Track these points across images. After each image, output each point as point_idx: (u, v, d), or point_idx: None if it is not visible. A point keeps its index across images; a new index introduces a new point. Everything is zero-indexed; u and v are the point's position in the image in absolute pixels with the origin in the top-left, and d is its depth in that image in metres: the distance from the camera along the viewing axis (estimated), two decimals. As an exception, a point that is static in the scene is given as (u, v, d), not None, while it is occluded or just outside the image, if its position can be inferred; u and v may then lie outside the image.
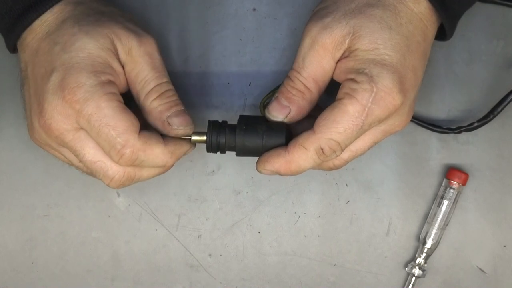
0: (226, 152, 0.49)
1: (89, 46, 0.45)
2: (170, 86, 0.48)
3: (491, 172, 0.56)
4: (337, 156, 0.46)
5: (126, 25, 0.47)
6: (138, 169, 0.47)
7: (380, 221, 0.57)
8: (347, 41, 0.45)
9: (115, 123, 0.44)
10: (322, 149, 0.45)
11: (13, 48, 0.49)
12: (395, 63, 0.44)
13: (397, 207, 0.56)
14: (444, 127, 0.55)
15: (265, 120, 0.48)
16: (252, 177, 0.57)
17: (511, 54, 0.56)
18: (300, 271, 0.57)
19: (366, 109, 0.44)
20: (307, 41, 0.46)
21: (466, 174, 0.55)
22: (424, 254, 0.55)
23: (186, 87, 0.56)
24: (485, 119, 0.53)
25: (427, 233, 0.55)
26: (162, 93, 0.47)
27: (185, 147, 0.48)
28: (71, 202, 0.57)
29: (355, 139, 0.46)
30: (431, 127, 0.55)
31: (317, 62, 0.46)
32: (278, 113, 0.47)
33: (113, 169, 0.47)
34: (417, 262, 0.55)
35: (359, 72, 0.44)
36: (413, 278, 0.55)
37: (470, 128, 0.54)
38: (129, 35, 0.46)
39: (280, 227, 0.57)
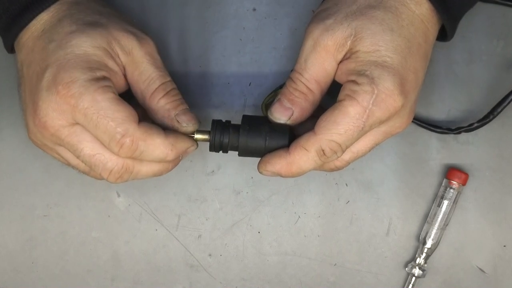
0: (228, 152, 0.49)
1: (85, 45, 0.45)
2: (174, 85, 0.48)
3: (491, 172, 0.56)
4: (338, 157, 0.46)
5: (125, 26, 0.47)
6: (138, 162, 0.47)
7: (380, 221, 0.57)
8: (348, 42, 0.45)
9: (113, 114, 0.44)
10: (323, 150, 0.45)
11: (11, 48, 0.49)
12: (396, 65, 0.44)
13: (397, 207, 0.56)
14: (444, 128, 0.55)
15: (268, 121, 0.48)
16: (252, 177, 0.57)
17: (511, 54, 0.56)
18: (300, 271, 0.57)
19: (367, 111, 0.44)
20: (309, 43, 0.46)
21: (466, 174, 0.55)
22: (424, 254, 0.55)
23: (186, 87, 0.56)
24: (485, 120, 0.53)
25: (427, 233, 0.55)
26: (168, 92, 0.47)
27: (186, 142, 0.48)
28: (71, 202, 0.57)
29: (356, 140, 0.46)
30: (430, 128, 0.55)
31: (319, 63, 0.46)
32: (281, 115, 0.47)
33: (112, 161, 0.46)
34: (417, 262, 0.55)
35: (360, 74, 0.44)
36: (413, 278, 0.55)
37: (470, 128, 0.54)
38: (129, 36, 0.47)
39: (280, 227, 0.57)
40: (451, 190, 0.55)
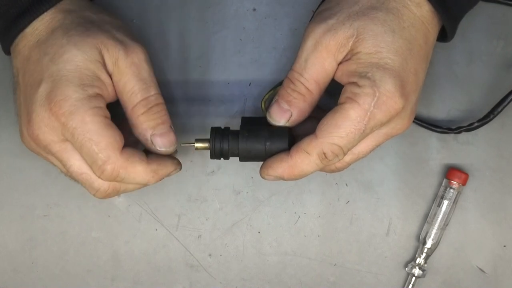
0: (230, 158, 0.49)
1: (77, 59, 0.45)
2: (159, 100, 0.47)
3: (491, 172, 0.56)
4: (339, 159, 0.46)
5: (114, 34, 0.47)
6: (123, 183, 0.48)
7: (380, 221, 0.57)
8: (350, 43, 0.45)
9: (98, 139, 0.44)
10: (324, 154, 0.45)
11: (8, 51, 0.49)
12: (397, 67, 0.44)
13: (397, 207, 0.56)
14: (444, 127, 0.55)
15: (267, 122, 0.48)
16: (252, 177, 0.57)
17: (511, 54, 0.56)
18: (300, 271, 0.57)
19: (368, 114, 0.44)
20: (309, 42, 0.46)
21: (466, 174, 0.55)
22: (424, 254, 0.55)
23: (186, 87, 0.56)
24: (485, 119, 0.53)
25: (427, 233, 0.55)
26: (149, 108, 0.47)
27: (169, 167, 0.48)
28: (71, 202, 0.57)
29: (357, 142, 0.46)
30: (431, 127, 0.55)
31: (320, 63, 0.46)
32: (279, 118, 0.47)
33: (98, 182, 0.47)
34: (417, 262, 0.55)
35: (362, 75, 0.44)
36: (413, 278, 0.55)
37: (470, 128, 0.54)
38: (116, 45, 0.46)
39: (280, 227, 0.57)
40: (451, 190, 0.55)
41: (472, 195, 0.56)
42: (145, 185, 0.48)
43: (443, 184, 0.55)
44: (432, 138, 0.56)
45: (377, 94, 0.44)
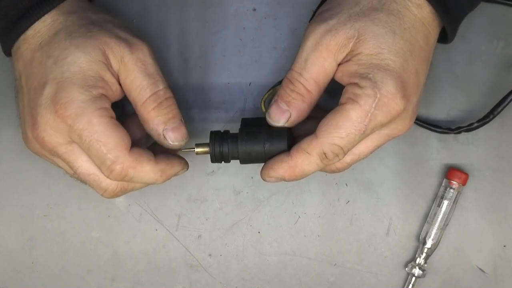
0: (231, 161, 0.49)
1: (80, 60, 0.45)
2: (168, 93, 0.48)
3: (491, 172, 0.56)
4: (340, 159, 0.47)
5: (116, 33, 0.47)
6: (131, 182, 0.48)
7: (380, 221, 0.57)
8: (351, 44, 0.45)
9: (106, 139, 0.44)
10: (325, 154, 0.45)
11: (8, 52, 0.49)
12: (398, 68, 0.44)
13: (397, 207, 0.57)
14: (444, 127, 0.55)
15: (267, 124, 0.48)
16: (252, 177, 0.57)
17: (511, 54, 0.56)
18: (300, 271, 0.57)
19: (369, 115, 0.44)
20: (310, 42, 0.46)
21: (466, 174, 0.55)
22: (424, 254, 0.55)
23: (186, 88, 0.56)
24: (485, 119, 0.53)
25: (427, 233, 0.55)
26: (160, 103, 0.47)
27: (177, 167, 0.48)
28: (71, 202, 0.57)
29: (358, 143, 0.46)
30: (431, 127, 0.55)
31: (320, 63, 0.46)
32: (278, 118, 0.47)
33: (107, 182, 0.47)
34: (417, 262, 0.55)
35: (363, 77, 0.44)
36: (413, 278, 0.55)
37: (470, 128, 0.54)
38: (120, 43, 0.46)
39: (280, 227, 0.57)
40: (451, 190, 0.55)
41: (472, 195, 0.56)
42: (153, 184, 0.48)
43: (443, 184, 0.55)
44: (432, 138, 0.56)
45: (378, 96, 0.44)
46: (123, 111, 0.50)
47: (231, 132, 0.49)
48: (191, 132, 0.56)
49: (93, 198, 0.57)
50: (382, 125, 0.45)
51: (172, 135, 0.47)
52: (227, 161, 0.49)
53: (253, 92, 0.56)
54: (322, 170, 0.48)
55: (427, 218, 0.56)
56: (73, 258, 0.57)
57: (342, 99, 0.45)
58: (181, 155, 0.50)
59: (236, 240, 0.57)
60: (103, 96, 0.46)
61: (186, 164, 0.49)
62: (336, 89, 0.47)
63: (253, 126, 0.49)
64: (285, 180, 0.47)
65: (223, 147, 0.48)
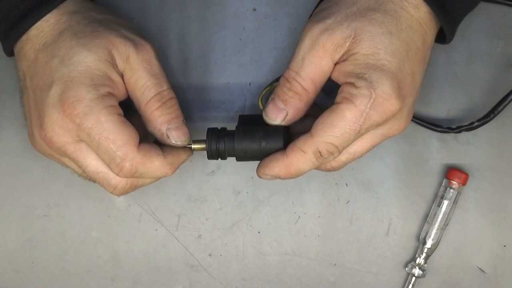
0: (227, 158, 0.49)
1: (87, 59, 0.45)
2: (171, 94, 0.48)
3: (491, 172, 0.56)
4: (335, 158, 0.47)
5: (122, 33, 0.47)
6: (140, 178, 0.48)
7: (380, 221, 0.57)
8: (347, 44, 0.45)
9: (114, 137, 0.45)
10: (320, 152, 0.46)
11: (10, 52, 0.49)
12: (394, 69, 0.44)
13: (397, 207, 0.56)
14: (444, 127, 0.55)
15: (264, 122, 0.48)
16: (252, 177, 0.57)
17: (511, 54, 0.56)
18: (300, 271, 0.57)
19: (364, 115, 0.44)
20: (307, 42, 0.46)
21: (466, 174, 0.55)
22: (424, 254, 0.55)
23: (186, 88, 0.56)
24: (485, 119, 0.53)
25: (427, 233, 0.55)
26: (164, 103, 0.47)
27: (183, 156, 0.49)
28: (71, 202, 0.57)
29: (353, 142, 0.46)
30: (431, 127, 0.55)
31: (317, 63, 0.46)
32: (275, 117, 0.47)
33: (116, 179, 0.47)
34: (417, 262, 0.55)
35: (359, 76, 0.44)
36: (413, 278, 0.55)
37: (470, 127, 0.54)
38: (126, 42, 0.46)
39: (280, 227, 0.57)
40: (451, 190, 0.55)
41: (472, 195, 0.56)
42: (163, 177, 0.48)
43: (443, 184, 0.55)
44: (432, 138, 0.56)
45: (373, 96, 0.44)
46: (130, 108, 0.50)
47: (228, 129, 0.49)
48: (191, 131, 0.56)
49: (93, 198, 0.57)
50: (377, 125, 0.45)
51: (175, 134, 0.47)
52: (224, 158, 0.49)
53: (253, 92, 0.56)
54: (317, 168, 0.48)
55: (427, 218, 0.56)
56: (73, 258, 0.57)
57: (338, 98, 0.45)
58: None
59: (236, 240, 0.57)
60: (110, 94, 0.46)
61: (190, 150, 0.49)
62: (333, 88, 0.47)
63: (251, 123, 0.49)
64: (280, 178, 0.48)
65: (219, 144, 0.48)
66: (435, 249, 0.55)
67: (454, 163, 0.56)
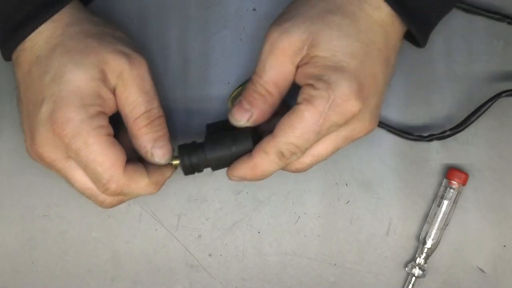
0: (203, 170, 0.50)
1: (78, 78, 0.45)
2: (160, 112, 0.48)
3: (491, 172, 0.56)
4: (298, 158, 0.47)
5: (116, 47, 0.47)
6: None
7: (380, 221, 0.57)
8: (305, 47, 0.45)
9: (102, 159, 0.45)
10: (282, 153, 0.46)
11: (8, 58, 0.49)
12: (353, 70, 0.44)
13: (397, 207, 0.56)
14: (415, 135, 0.55)
15: (231, 127, 0.48)
16: (252, 177, 0.57)
17: (511, 54, 0.56)
18: (300, 271, 0.57)
19: (323, 115, 0.44)
20: (267, 45, 0.47)
21: (466, 174, 0.55)
22: (424, 254, 0.55)
23: (185, 88, 0.56)
24: (457, 129, 0.54)
25: (427, 233, 0.55)
26: (151, 121, 0.48)
27: (167, 173, 0.50)
28: (71, 202, 0.57)
29: (314, 143, 0.46)
30: (402, 134, 0.55)
31: (277, 66, 0.46)
32: (240, 117, 0.48)
33: (103, 196, 0.48)
34: (417, 262, 0.55)
35: (318, 78, 0.44)
36: (413, 278, 0.55)
37: (442, 136, 0.54)
38: (120, 58, 0.46)
39: (280, 227, 0.57)
40: (451, 190, 0.55)
41: (472, 195, 0.56)
42: (148, 195, 0.49)
43: (443, 184, 0.55)
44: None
45: (331, 97, 0.44)
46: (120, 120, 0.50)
47: (198, 142, 0.50)
48: (190, 131, 0.56)
49: (93, 198, 0.57)
50: (338, 126, 0.45)
51: (160, 153, 0.48)
52: (200, 170, 0.50)
53: (253, 92, 0.56)
54: (283, 169, 0.49)
55: (427, 218, 0.56)
56: (73, 258, 0.57)
57: (298, 99, 0.46)
58: None
59: (236, 240, 0.57)
60: (101, 113, 0.46)
61: (174, 167, 0.50)
62: None
63: (219, 130, 0.49)
64: (247, 180, 0.48)
65: (192, 158, 0.49)
66: (435, 249, 0.55)
67: (454, 163, 0.56)
